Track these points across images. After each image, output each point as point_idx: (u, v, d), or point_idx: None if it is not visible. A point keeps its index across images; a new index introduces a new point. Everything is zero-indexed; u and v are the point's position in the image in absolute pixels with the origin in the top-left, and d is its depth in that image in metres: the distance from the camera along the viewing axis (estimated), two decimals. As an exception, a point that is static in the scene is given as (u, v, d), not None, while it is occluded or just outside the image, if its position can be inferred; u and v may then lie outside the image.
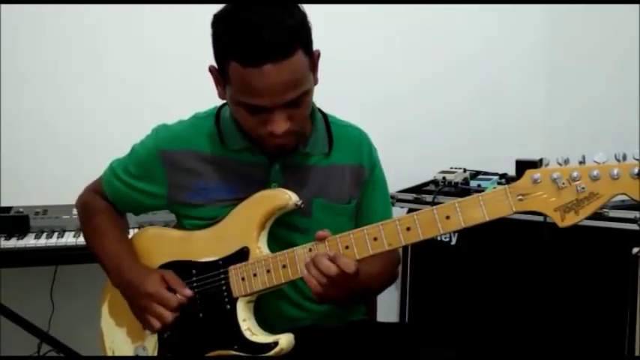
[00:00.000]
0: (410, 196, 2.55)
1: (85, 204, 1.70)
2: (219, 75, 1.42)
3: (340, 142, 1.58)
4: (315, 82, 1.43)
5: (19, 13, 2.58)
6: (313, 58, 1.41)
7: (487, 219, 1.27)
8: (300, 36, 1.35)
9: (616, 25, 2.81)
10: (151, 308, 1.46)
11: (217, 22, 1.38)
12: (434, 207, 1.32)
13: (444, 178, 2.56)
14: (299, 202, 1.46)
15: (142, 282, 1.49)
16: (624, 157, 1.18)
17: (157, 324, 1.46)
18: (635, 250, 2.11)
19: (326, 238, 1.38)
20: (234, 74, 1.34)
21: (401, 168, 2.34)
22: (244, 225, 1.48)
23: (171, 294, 1.47)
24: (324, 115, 1.60)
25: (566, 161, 1.22)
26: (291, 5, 1.36)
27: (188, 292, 1.48)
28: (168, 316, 1.46)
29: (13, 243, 2.24)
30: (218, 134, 1.54)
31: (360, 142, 1.62)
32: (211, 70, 1.45)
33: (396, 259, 1.69)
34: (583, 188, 1.20)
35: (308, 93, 1.40)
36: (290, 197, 1.46)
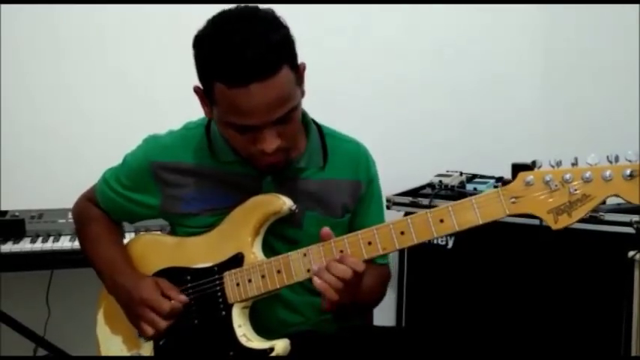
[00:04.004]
0: (406, 200, 2.55)
1: (80, 212, 1.70)
2: (205, 96, 1.40)
3: (336, 155, 1.57)
4: (302, 94, 1.42)
5: (18, 13, 2.58)
6: (299, 71, 1.39)
7: (480, 222, 1.28)
8: (285, 52, 1.33)
9: (616, 24, 2.80)
10: (145, 315, 1.46)
11: (199, 43, 1.36)
12: (427, 210, 1.32)
13: (440, 181, 2.56)
14: (293, 207, 1.46)
15: (136, 287, 1.49)
16: (617, 159, 1.18)
17: (149, 331, 1.46)
18: (631, 253, 2.11)
19: (329, 238, 1.37)
20: (220, 95, 1.33)
21: (397, 170, 2.34)
22: (239, 231, 1.48)
23: (165, 300, 1.46)
24: (319, 128, 1.59)
25: (559, 163, 1.22)
26: (274, 20, 1.35)
27: (183, 297, 1.47)
28: (161, 323, 1.45)
29: (9, 247, 2.23)
30: (208, 147, 1.53)
31: (357, 156, 1.61)
32: (196, 90, 1.43)
33: (387, 276, 1.68)
34: (576, 190, 1.20)
35: (296, 108, 1.39)
36: (284, 202, 1.45)
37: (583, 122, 2.87)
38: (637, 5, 2.71)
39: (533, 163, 1.24)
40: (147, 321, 1.46)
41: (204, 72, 1.36)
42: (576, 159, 1.21)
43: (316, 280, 1.35)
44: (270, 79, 1.29)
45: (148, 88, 2.72)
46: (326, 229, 1.38)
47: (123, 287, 1.52)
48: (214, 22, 1.35)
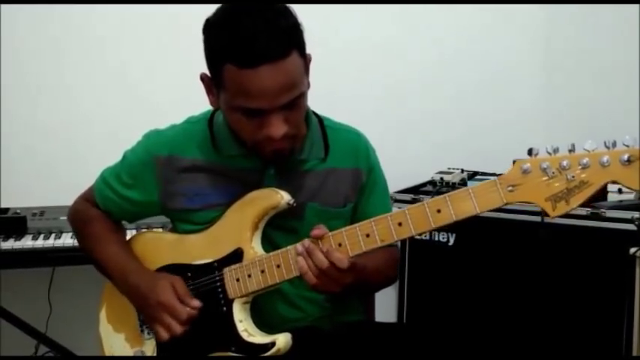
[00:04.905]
0: (408, 197, 2.55)
1: (78, 213, 1.68)
2: (213, 81, 1.41)
3: (336, 146, 1.57)
4: (308, 85, 1.43)
5: (18, 13, 2.59)
6: (307, 60, 1.41)
7: (478, 211, 1.27)
8: (295, 37, 1.35)
9: (616, 24, 2.80)
10: (162, 319, 1.44)
11: (210, 27, 1.37)
12: (425, 201, 1.31)
13: (441, 178, 2.55)
14: (291, 201, 1.45)
15: (153, 289, 1.46)
16: (614, 144, 1.17)
17: (165, 335, 1.44)
18: (632, 250, 2.11)
19: (322, 236, 1.37)
20: (229, 77, 1.33)
21: (398, 168, 2.33)
22: (238, 226, 1.47)
23: (183, 307, 1.44)
24: (319, 119, 1.59)
25: (556, 150, 1.20)
26: (284, 8, 1.36)
27: (196, 303, 1.45)
28: (178, 328, 1.43)
29: (11, 244, 2.24)
30: (211, 140, 1.53)
31: (356, 145, 1.61)
32: (203, 78, 1.44)
33: (396, 258, 1.68)
34: (573, 177, 1.19)
35: (303, 95, 1.40)
36: (282, 197, 1.45)
37: (583, 122, 2.86)
38: (637, 5, 2.71)
39: (530, 150, 1.23)
40: (163, 325, 1.44)
41: (214, 54, 1.36)
42: (573, 145, 1.19)
43: (299, 260, 1.36)
44: (280, 63, 1.31)
45: (148, 88, 2.72)
46: (316, 232, 1.38)
47: (137, 288, 1.50)
48: (225, 9, 1.37)
